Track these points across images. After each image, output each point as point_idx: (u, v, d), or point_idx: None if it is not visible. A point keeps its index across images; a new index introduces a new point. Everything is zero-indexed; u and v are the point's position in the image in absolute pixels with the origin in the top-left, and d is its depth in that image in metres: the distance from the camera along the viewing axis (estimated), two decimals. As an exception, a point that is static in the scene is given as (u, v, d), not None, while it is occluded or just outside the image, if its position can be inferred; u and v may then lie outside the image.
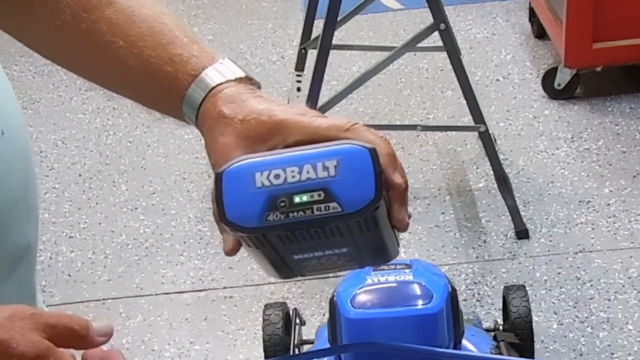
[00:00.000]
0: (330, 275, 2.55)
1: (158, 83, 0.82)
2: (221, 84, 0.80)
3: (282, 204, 0.71)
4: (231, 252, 0.76)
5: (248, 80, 0.81)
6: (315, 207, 0.71)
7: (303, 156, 0.72)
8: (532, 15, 3.60)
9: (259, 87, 0.82)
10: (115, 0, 0.84)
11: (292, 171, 0.71)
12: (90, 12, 0.83)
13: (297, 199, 0.71)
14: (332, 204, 0.71)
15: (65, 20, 0.84)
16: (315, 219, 0.71)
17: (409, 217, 0.77)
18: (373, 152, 0.72)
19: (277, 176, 0.71)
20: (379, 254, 0.79)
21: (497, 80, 3.42)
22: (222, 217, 0.72)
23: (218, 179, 0.72)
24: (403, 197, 0.76)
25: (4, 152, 0.82)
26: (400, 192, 0.75)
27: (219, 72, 0.81)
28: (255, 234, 0.72)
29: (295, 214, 0.71)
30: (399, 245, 0.81)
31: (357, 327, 1.28)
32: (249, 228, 0.72)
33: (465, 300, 2.45)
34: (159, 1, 0.87)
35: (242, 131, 0.77)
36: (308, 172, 0.71)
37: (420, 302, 1.29)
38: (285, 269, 0.78)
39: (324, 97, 2.66)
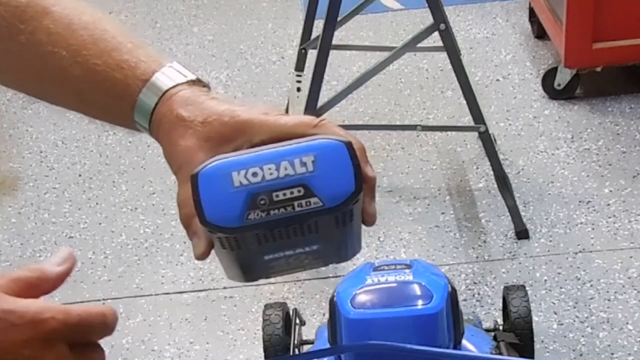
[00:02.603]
0: (330, 275, 2.55)
1: (106, 91, 0.79)
2: (174, 86, 0.78)
3: (262, 202, 0.70)
4: (203, 256, 0.75)
5: (199, 82, 0.80)
6: (296, 203, 0.70)
7: (279, 153, 0.71)
8: (532, 15, 3.60)
9: (209, 89, 0.80)
10: (52, 9, 0.81)
11: (270, 168, 0.70)
12: (28, 23, 0.80)
13: (277, 196, 0.70)
14: (313, 199, 0.71)
15: (1, 34, 0.81)
16: (296, 215, 0.71)
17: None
18: (349, 146, 0.72)
19: (254, 174, 0.71)
20: (346, 249, 0.78)
21: (497, 80, 3.42)
22: (201, 219, 0.72)
23: (194, 180, 0.72)
24: (373, 191, 0.76)
25: None
26: (372, 186, 0.75)
27: (170, 75, 0.79)
28: (237, 233, 0.71)
29: (276, 211, 0.70)
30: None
31: (357, 327, 1.27)
32: (231, 228, 0.71)
33: (465, 300, 2.45)
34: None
35: (203, 133, 0.75)
36: (286, 169, 0.70)
37: (420, 302, 1.28)
38: (251, 271, 0.77)
39: (324, 97, 2.66)
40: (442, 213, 2.79)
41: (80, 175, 3.15)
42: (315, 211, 0.71)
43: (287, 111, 3.05)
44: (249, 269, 0.77)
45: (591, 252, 2.58)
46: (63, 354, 0.63)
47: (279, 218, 0.71)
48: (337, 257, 0.79)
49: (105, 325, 0.66)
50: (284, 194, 0.70)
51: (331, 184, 0.71)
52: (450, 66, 2.60)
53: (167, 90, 0.78)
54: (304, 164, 0.71)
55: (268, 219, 0.70)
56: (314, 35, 3.06)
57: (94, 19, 0.81)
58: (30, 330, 0.62)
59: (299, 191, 0.70)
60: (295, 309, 1.96)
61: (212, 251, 0.76)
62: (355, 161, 0.71)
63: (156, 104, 0.78)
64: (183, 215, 0.77)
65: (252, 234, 0.71)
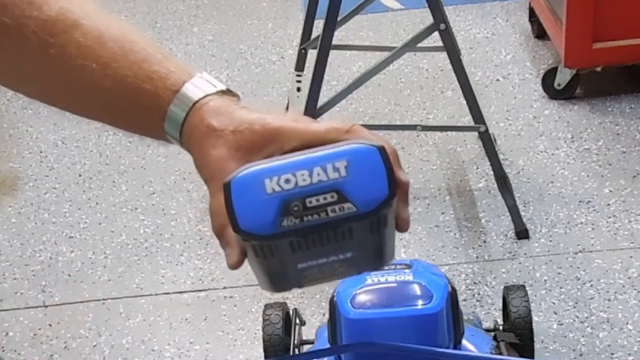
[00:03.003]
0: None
1: (137, 102, 0.79)
2: (204, 97, 0.78)
3: (296, 208, 0.70)
4: (236, 265, 0.75)
5: (229, 92, 0.80)
6: (329, 208, 0.70)
7: (311, 159, 0.71)
8: (532, 15, 3.60)
9: (239, 99, 0.80)
10: (82, 22, 0.80)
11: (302, 175, 0.70)
12: (58, 37, 0.80)
13: (310, 202, 0.70)
14: (347, 205, 0.70)
15: (31, 48, 0.80)
16: (330, 221, 0.70)
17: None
18: (382, 150, 0.71)
19: (287, 181, 0.70)
20: (380, 256, 0.77)
21: (497, 80, 3.42)
22: (234, 227, 0.71)
23: (226, 188, 0.71)
24: (407, 195, 0.75)
25: None
26: (405, 190, 0.75)
27: (200, 86, 0.79)
28: (271, 241, 0.71)
29: (309, 217, 0.70)
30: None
31: (357, 327, 1.28)
32: (265, 235, 0.70)
33: (465, 300, 2.45)
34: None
35: (234, 142, 0.75)
36: (319, 175, 0.70)
37: (420, 302, 1.29)
38: (284, 280, 0.76)
39: (324, 97, 2.66)
40: (442, 213, 2.79)
41: (80, 175, 3.15)
42: (349, 216, 0.70)
43: (287, 111, 3.05)
44: (283, 278, 0.76)
45: (591, 252, 2.58)
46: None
47: (313, 224, 0.70)
48: (371, 264, 0.78)
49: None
50: (317, 200, 0.70)
51: (365, 189, 0.70)
52: (450, 66, 2.60)
53: (197, 101, 0.78)
54: (336, 170, 0.70)
55: (302, 225, 0.70)
56: (314, 35, 3.06)
57: (123, 31, 0.81)
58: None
59: (332, 197, 0.70)
60: (295, 309, 1.96)
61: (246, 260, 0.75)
62: (389, 165, 0.71)
63: (187, 115, 0.78)
64: (216, 224, 0.76)
65: (286, 241, 0.71)
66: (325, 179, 0.70)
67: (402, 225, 0.76)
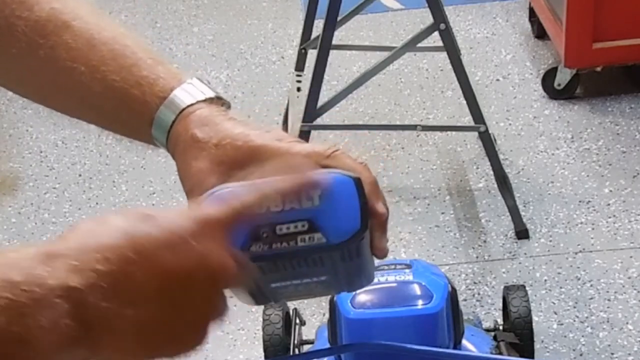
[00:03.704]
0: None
1: (125, 107, 0.79)
2: (192, 105, 0.77)
3: (265, 235, 0.68)
4: None
5: (218, 100, 0.79)
6: (299, 237, 0.68)
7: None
8: (532, 15, 3.60)
9: (229, 107, 0.79)
10: (73, 24, 0.80)
11: (274, 200, 0.68)
12: (48, 38, 0.79)
13: (280, 229, 0.68)
14: (317, 235, 0.69)
15: (21, 48, 0.80)
16: (298, 250, 0.69)
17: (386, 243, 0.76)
18: (358, 182, 0.70)
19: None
20: (357, 280, 0.77)
21: (497, 80, 3.42)
22: None
23: None
24: (385, 226, 0.74)
25: None
26: (383, 222, 0.73)
27: (189, 92, 0.78)
28: None
29: (278, 244, 0.68)
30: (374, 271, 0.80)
31: (357, 327, 1.27)
32: None
33: (465, 300, 2.45)
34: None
35: (216, 156, 0.75)
36: (291, 202, 0.68)
37: (420, 302, 1.29)
38: (260, 296, 0.75)
39: (324, 97, 2.66)
40: (442, 213, 2.79)
41: (80, 175, 3.15)
42: (318, 247, 0.69)
43: (287, 111, 3.05)
44: (259, 295, 0.75)
45: (591, 252, 2.58)
46: (221, 252, 0.64)
47: (281, 252, 0.69)
48: (347, 287, 0.78)
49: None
50: (288, 228, 0.68)
51: (336, 221, 0.69)
52: (450, 66, 2.60)
53: (184, 108, 0.77)
54: (310, 198, 0.68)
55: (270, 253, 0.69)
56: (314, 35, 3.06)
57: (114, 35, 0.80)
58: (194, 226, 0.63)
59: (302, 226, 0.68)
60: (295, 309, 1.96)
61: None
62: (363, 199, 0.69)
63: (173, 122, 0.77)
64: None
65: (254, 265, 0.70)
66: (298, 207, 0.68)
67: (379, 255, 0.74)
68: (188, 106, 0.77)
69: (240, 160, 0.74)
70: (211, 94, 0.78)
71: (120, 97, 0.78)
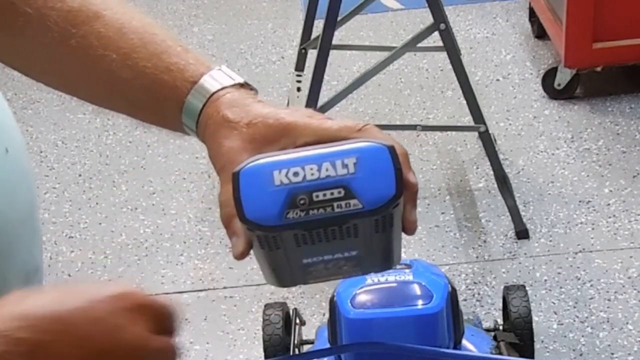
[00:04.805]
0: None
1: (155, 93, 0.81)
2: (221, 89, 0.79)
3: (302, 202, 0.70)
4: (242, 255, 0.75)
5: (247, 86, 0.81)
6: (335, 204, 0.70)
7: (321, 154, 0.71)
8: (532, 15, 3.60)
9: (257, 93, 0.82)
10: (104, 14, 0.82)
11: (311, 169, 0.71)
12: (79, 27, 0.81)
13: (317, 196, 0.70)
14: (353, 201, 0.70)
15: (53, 38, 0.82)
16: (335, 217, 0.71)
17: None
18: (392, 150, 0.72)
19: (295, 174, 0.71)
20: (385, 258, 0.78)
21: (497, 80, 3.42)
22: (240, 216, 0.71)
23: (235, 178, 0.72)
24: (415, 199, 0.75)
25: (10, 171, 0.81)
26: (414, 193, 0.75)
27: (218, 78, 0.80)
28: (275, 232, 0.71)
29: (315, 211, 0.70)
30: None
31: (357, 327, 1.28)
32: (269, 226, 0.71)
33: (465, 300, 2.45)
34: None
35: (248, 135, 0.76)
36: (327, 170, 0.71)
37: (420, 302, 1.29)
38: (289, 274, 0.77)
39: (324, 97, 2.66)
40: (442, 213, 2.79)
41: (80, 175, 3.15)
42: (354, 213, 0.71)
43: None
44: (287, 272, 0.76)
45: (591, 252, 2.58)
46: (143, 329, 0.64)
47: (317, 218, 0.71)
48: (376, 265, 0.79)
49: (176, 315, 0.68)
50: (324, 195, 0.70)
51: (372, 187, 0.71)
52: (450, 66, 2.60)
53: (214, 93, 0.79)
54: (345, 166, 0.71)
55: (307, 219, 0.70)
56: (314, 35, 3.06)
57: (143, 23, 0.83)
58: (118, 302, 0.63)
59: (339, 192, 0.70)
60: (295, 309, 1.96)
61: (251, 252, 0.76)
62: (397, 165, 0.71)
63: (203, 106, 0.79)
64: (224, 214, 0.76)
65: (290, 234, 0.71)
66: (334, 175, 0.71)
67: (409, 228, 0.76)
68: (218, 90, 0.79)
69: (271, 137, 0.76)
70: (240, 80, 0.81)
71: (151, 83, 0.80)
